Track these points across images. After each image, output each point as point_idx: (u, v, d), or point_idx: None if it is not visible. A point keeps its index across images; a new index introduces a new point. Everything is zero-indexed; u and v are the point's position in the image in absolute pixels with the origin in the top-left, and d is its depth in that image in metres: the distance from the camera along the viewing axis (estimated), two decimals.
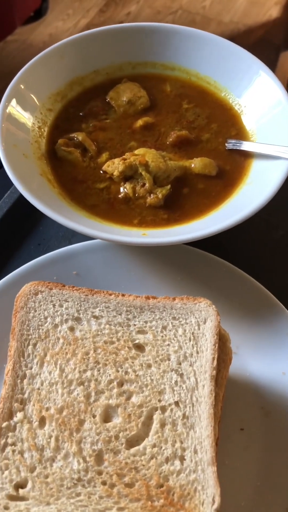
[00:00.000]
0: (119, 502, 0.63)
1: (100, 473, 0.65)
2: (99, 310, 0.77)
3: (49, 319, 0.76)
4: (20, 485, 0.65)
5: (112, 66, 1.15)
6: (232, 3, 4.15)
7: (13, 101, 1.01)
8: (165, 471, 0.65)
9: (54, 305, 0.77)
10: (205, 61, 1.12)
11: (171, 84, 1.14)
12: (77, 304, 0.78)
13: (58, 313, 0.77)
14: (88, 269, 0.94)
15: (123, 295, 0.79)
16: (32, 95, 1.05)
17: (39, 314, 0.77)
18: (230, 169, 1.02)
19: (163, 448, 0.66)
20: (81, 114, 1.09)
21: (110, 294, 0.79)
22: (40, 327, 0.76)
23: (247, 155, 1.02)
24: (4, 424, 0.68)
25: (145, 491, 0.63)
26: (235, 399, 0.83)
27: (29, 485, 0.64)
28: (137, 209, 0.97)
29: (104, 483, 0.64)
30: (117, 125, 1.08)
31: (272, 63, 3.67)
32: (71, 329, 0.76)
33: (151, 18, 4.04)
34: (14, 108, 1.01)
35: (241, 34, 3.93)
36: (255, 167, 1.00)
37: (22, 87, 1.04)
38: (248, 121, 1.07)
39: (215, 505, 0.61)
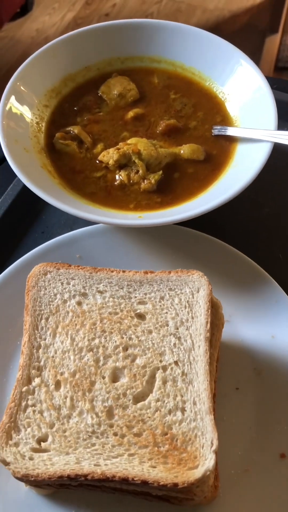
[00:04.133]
0: (129, 449, 0.71)
1: (111, 426, 0.73)
2: (103, 285, 0.85)
3: (58, 296, 0.84)
4: (42, 440, 0.73)
5: (102, 62, 1.21)
6: None
7: (12, 99, 1.08)
8: (169, 421, 0.73)
9: (62, 283, 0.86)
10: (189, 53, 1.19)
11: (159, 76, 1.21)
12: (83, 281, 0.86)
13: (66, 290, 0.85)
14: (90, 252, 1.01)
15: (123, 271, 0.87)
16: (29, 93, 1.12)
17: (49, 292, 0.85)
18: (217, 153, 1.09)
19: (166, 401, 0.75)
20: (75, 108, 1.16)
21: (112, 271, 0.87)
22: (50, 303, 0.84)
23: (232, 140, 1.09)
24: (24, 389, 0.77)
25: (152, 439, 0.71)
26: (230, 362, 0.90)
27: (50, 439, 0.73)
28: (132, 194, 1.04)
29: (115, 434, 0.73)
30: (110, 117, 1.15)
31: (258, 48, 3.70)
32: (79, 303, 0.84)
33: (137, 8, 4.06)
34: (14, 106, 1.08)
35: (226, 20, 3.94)
36: (240, 151, 1.07)
37: (20, 86, 1.10)
38: (231, 108, 1.14)
39: (213, 447, 0.70)
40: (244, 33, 3.84)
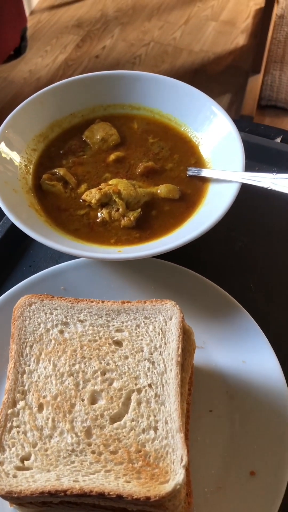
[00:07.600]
0: (106, 466, 0.77)
1: (89, 444, 0.79)
2: (83, 315, 0.92)
3: (42, 325, 0.91)
4: (25, 458, 0.78)
5: (86, 109, 1.31)
6: (201, 33, 4.34)
7: (2, 144, 1.17)
8: (142, 439, 0.79)
9: (45, 313, 0.92)
10: (166, 101, 1.29)
11: (138, 122, 1.30)
12: (65, 311, 0.93)
13: (49, 319, 0.92)
14: (74, 284, 1.07)
15: (102, 301, 0.94)
16: (18, 138, 1.21)
17: (33, 321, 0.92)
18: (191, 192, 1.17)
19: (140, 421, 0.81)
20: (61, 152, 1.25)
21: (92, 302, 0.94)
22: (35, 331, 0.91)
23: (204, 180, 1.18)
24: (9, 411, 0.82)
25: (127, 456, 0.77)
26: (204, 386, 0.95)
27: (32, 457, 0.78)
28: (113, 230, 1.12)
29: (93, 452, 0.78)
30: (93, 160, 1.23)
31: (241, 88, 3.87)
32: (61, 332, 0.91)
33: (125, 51, 4.23)
34: (3, 151, 1.16)
35: (211, 61, 4.10)
36: (211, 190, 1.15)
37: (9, 132, 1.19)
38: (205, 151, 1.23)
39: (183, 463, 0.75)
40: (228, 74, 4.01)
